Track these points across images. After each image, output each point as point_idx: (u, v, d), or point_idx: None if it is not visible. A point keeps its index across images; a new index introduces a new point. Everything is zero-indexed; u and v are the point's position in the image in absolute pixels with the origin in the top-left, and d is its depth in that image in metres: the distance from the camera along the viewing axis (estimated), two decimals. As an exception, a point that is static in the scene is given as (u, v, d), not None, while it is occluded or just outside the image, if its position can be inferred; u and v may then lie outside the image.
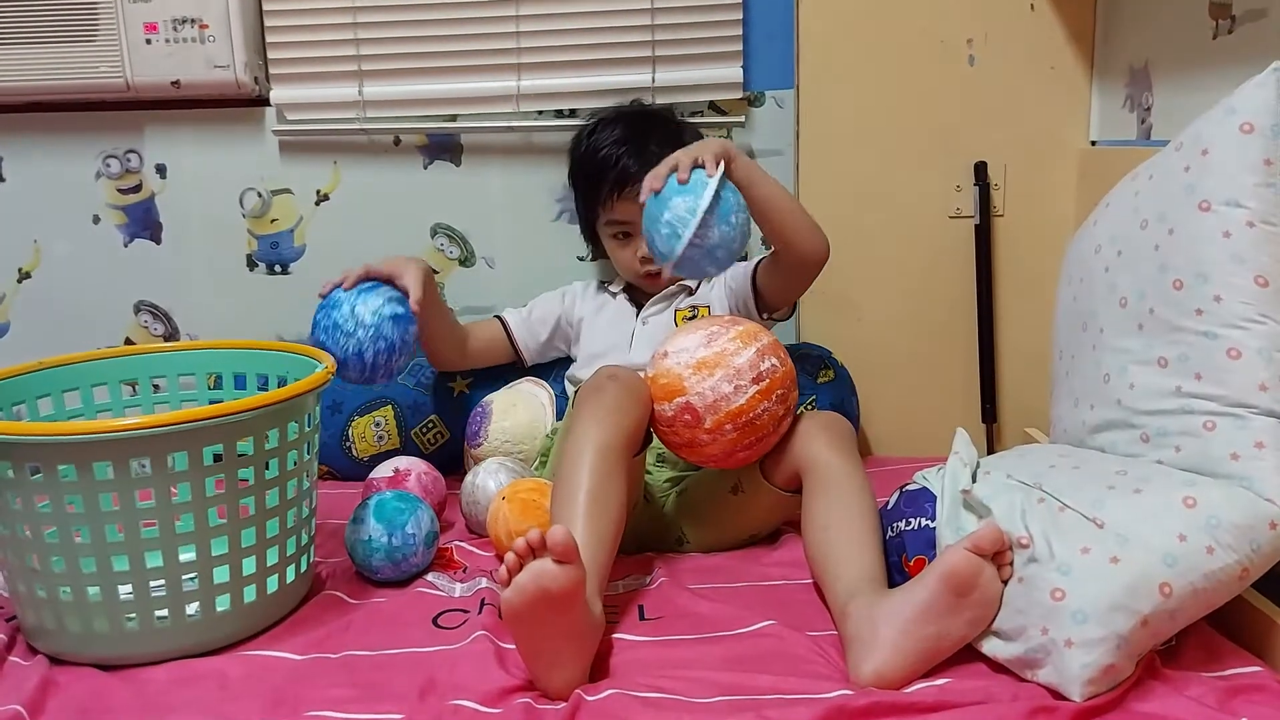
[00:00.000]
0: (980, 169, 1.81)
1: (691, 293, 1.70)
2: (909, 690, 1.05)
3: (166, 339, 2.01)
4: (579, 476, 1.24)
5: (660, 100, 1.84)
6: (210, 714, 1.07)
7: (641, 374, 1.38)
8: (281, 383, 1.39)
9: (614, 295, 1.76)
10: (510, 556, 1.05)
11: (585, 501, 1.22)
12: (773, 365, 1.33)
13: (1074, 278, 1.37)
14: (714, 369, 1.31)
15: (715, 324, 1.37)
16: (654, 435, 1.39)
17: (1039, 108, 1.79)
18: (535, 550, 1.05)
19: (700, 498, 1.49)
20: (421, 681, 1.10)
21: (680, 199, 1.36)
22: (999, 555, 1.10)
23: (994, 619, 1.09)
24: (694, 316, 1.66)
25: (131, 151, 1.94)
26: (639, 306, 1.72)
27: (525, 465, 1.62)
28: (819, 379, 1.77)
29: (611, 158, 1.66)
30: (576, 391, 1.38)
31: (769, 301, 1.62)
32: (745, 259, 1.67)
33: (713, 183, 1.36)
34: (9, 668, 1.17)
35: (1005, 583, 1.10)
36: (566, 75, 1.86)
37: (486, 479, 1.54)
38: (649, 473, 1.52)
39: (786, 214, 1.48)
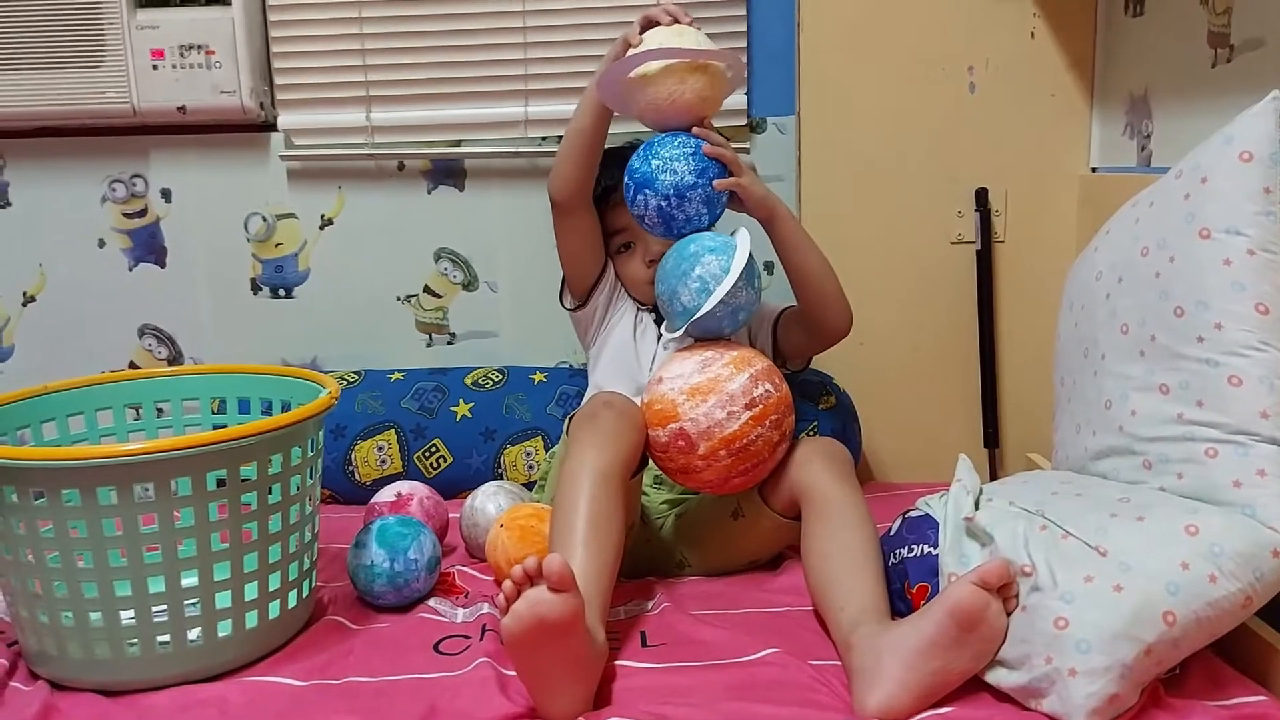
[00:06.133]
0: (981, 195, 1.81)
1: None
2: (912, 718, 1.05)
3: (170, 363, 2.01)
4: (577, 504, 1.23)
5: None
6: (211, 740, 1.07)
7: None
8: (285, 407, 1.39)
9: (639, 308, 1.69)
10: (508, 585, 1.05)
11: (584, 529, 1.21)
12: (766, 391, 1.33)
13: (1075, 304, 1.37)
14: (707, 395, 1.31)
15: (709, 350, 1.37)
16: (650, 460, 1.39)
17: (1040, 134, 1.80)
18: (532, 579, 1.05)
19: (701, 522, 1.49)
20: (423, 708, 1.10)
21: (713, 257, 1.37)
22: (1005, 588, 1.09)
23: (999, 651, 1.09)
24: None
25: (137, 176, 1.95)
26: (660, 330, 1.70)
27: (524, 489, 1.62)
28: (820, 404, 1.77)
29: (613, 166, 1.65)
30: (570, 419, 1.38)
31: (785, 354, 1.61)
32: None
33: (746, 242, 1.38)
34: (10, 694, 1.17)
35: (1010, 614, 1.09)
36: (574, 101, 1.86)
37: (485, 502, 1.54)
38: (646, 494, 1.52)
39: (820, 280, 1.49)
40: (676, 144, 1.42)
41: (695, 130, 1.44)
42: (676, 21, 1.45)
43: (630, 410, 1.35)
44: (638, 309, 1.66)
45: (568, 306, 1.69)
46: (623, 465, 1.29)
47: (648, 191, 1.42)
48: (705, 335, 1.42)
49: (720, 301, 1.35)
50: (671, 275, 1.40)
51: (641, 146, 1.46)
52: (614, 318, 1.66)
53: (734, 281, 1.35)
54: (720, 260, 1.37)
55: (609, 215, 1.64)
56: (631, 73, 1.42)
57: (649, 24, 1.46)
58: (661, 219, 1.43)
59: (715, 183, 1.41)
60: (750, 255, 1.38)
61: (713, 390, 1.31)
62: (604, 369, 1.66)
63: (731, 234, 1.42)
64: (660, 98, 1.43)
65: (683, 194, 1.40)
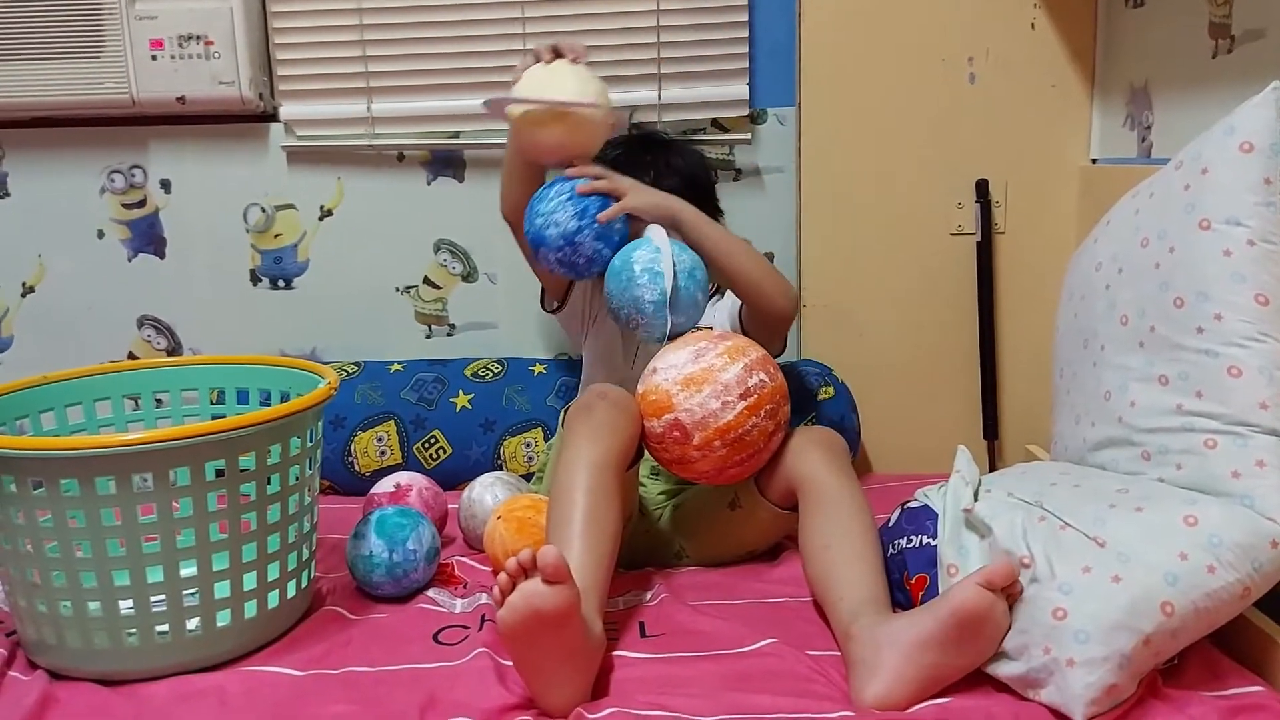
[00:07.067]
0: (981, 186, 1.81)
1: None
2: (910, 709, 1.05)
3: (169, 354, 2.01)
4: (573, 496, 1.23)
5: (666, 118, 1.84)
6: (210, 730, 1.08)
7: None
8: (284, 398, 1.39)
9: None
10: (502, 577, 1.05)
11: (581, 521, 1.21)
12: (761, 380, 1.33)
13: (1075, 295, 1.37)
14: (701, 385, 1.31)
15: (703, 340, 1.37)
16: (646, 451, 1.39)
17: (1040, 125, 1.80)
18: (526, 570, 1.04)
19: (698, 513, 1.49)
20: (422, 698, 1.10)
21: (639, 252, 1.42)
22: (1008, 586, 1.09)
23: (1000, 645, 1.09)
24: None
25: (136, 167, 1.95)
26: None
27: (522, 480, 1.63)
28: (819, 395, 1.77)
29: None
30: (566, 411, 1.38)
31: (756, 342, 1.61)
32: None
33: (655, 228, 1.43)
34: (9, 683, 1.17)
35: (1012, 609, 1.09)
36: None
37: (483, 493, 1.54)
38: (643, 485, 1.52)
39: (747, 270, 1.51)
40: (552, 195, 1.45)
41: (569, 172, 1.47)
42: (559, 57, 1.47)
43: (626, 402, 1.35)
44: None
45: (548, 309, 1.73)
46: (618, 457, 1.29)
47: (543, 248, 1.46)
48: (690, 318, 1.45)
49: (678, 274, 1.38)
50: (621, 292, 1.42)
51: (529, 202, 1.49)
52: (602, 313, 1.68)
53: (671, 250, 1.38)
54: (646, 250, 1.41)
55: None
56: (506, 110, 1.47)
57: (537, 58, 1.48)
58: (566, 268, 1.47)
59: (599, 217, 1.43)
60: (666, 231, 1.44)
61: (707, 380, 1.31)
62: (592, 365, 1.70)
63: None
64: (524, 141, 1.48)
65: (573, 241, 1.44)
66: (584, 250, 1.44)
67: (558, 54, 1.46)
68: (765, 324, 1.57)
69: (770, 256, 1.94)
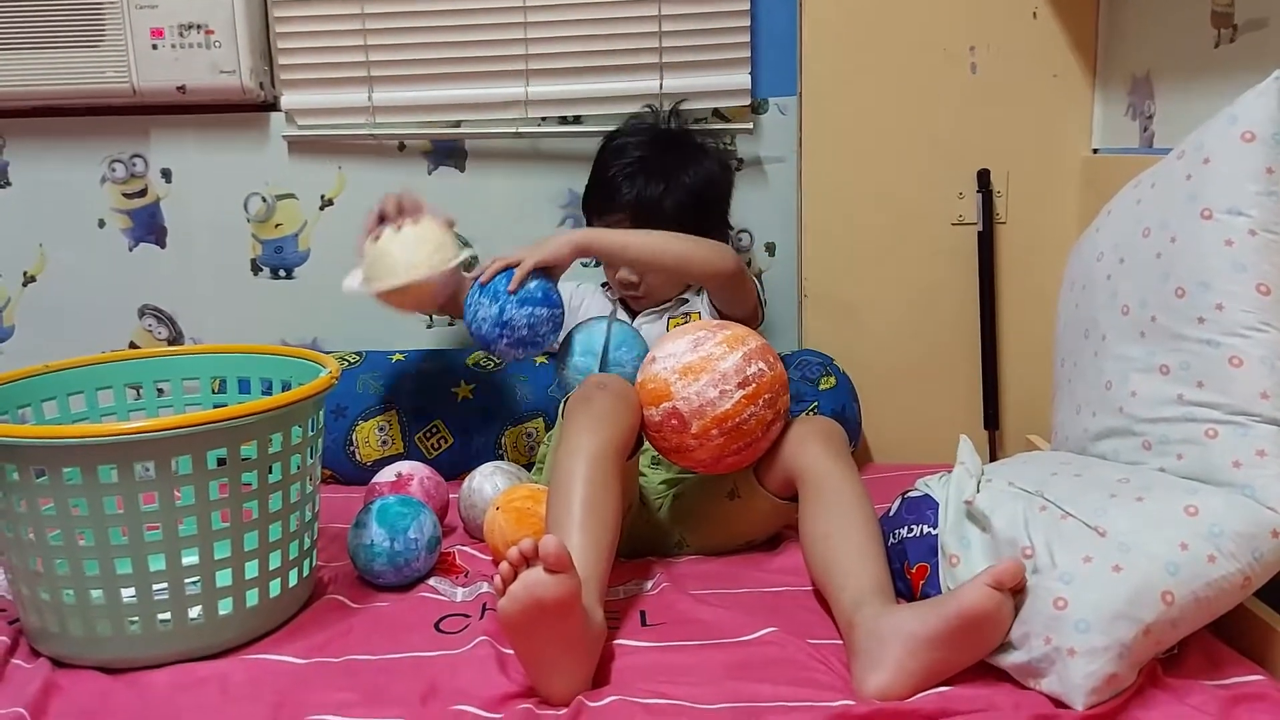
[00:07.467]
0: (983, 176, 1.81)
1: (685, 302, 1.71)
2: (911, 699, 1.05)
3: (171, 343, 2.01)
4: (573, 485, 1.24)
5: (667, 108, 1.84)
6: (212, 718, 1.08)
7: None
8: (285, 387, 1.39)
9: (612, 301, 1.76)
10: (504, 567, 1.05)
11: (581, 511, 1.21)
12: (760, 370, 1.33)
13: (1076, 285, 1.37)
14: (699, 374, 1.31)
15: (703, 329, 1.37)
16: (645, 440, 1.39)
17: (1041, 115, 1.80)
18: (528, 560, 1.05)
19: (699, 502, 1.49)
20: (423, 686, 1.10)
21: (581, 335, 1.56)
22: (1015, 584, 1.08)
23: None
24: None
25: (137, 156, 1.95)
26: (633, 315, 1.73)
27: (522, 469, 1.63)
28: (821, 385, 1.77)
29: (616, 180, 1.69)
30: (565, 401, 1.39)
31: (734, 319, 1.62)
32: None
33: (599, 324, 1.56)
34: (12, 670, 1.17)
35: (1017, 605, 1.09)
36: (575, 82, 1.87)
37: (483, 483, 1.55)
38: (643, 475, 1.52)
39: (673, 259, 1.57)
40: (471, 310, 1.52)
41: (471, 279, 1.55)
42: (402, 211, 1.57)
43: (625, 391, 1.35)
44: (607, 302, 1.76)
45: None
46: (617, 446, 1.29)
47: (490, 345, 1.52)
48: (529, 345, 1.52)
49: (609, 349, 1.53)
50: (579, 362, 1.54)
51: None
52: (582, 304, 1.76)
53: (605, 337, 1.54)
54: (585, 331, 1.55)
55: (595, 222, 1.74)
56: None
57: (383, 217, 1.58)
58: (522, 346, 1.52)
59: (509, 289, 1.49)
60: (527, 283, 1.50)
61: (705, 369, 1.31)
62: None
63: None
64: (393, 307, 1.58)
65: (502, 321, 1.49)
66: (517, 323, 1.49)
67: (401, 209, 1.57)
68: (720, 291, 1.63)
69: (771, 247, 1.94)
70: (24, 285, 2.00)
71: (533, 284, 1.50)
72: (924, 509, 1.27)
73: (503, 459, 1.76)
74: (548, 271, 1.52)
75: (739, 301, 1.64)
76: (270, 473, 1.22)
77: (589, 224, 1.78)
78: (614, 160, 1.71)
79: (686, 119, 1.83)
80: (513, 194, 1.94)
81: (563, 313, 1.54)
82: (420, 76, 1.89)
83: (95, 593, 1.16)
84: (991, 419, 1.86)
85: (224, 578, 1.20)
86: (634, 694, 1.07)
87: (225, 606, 1.20)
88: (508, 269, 1.51)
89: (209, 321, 2.01)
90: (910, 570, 1.25)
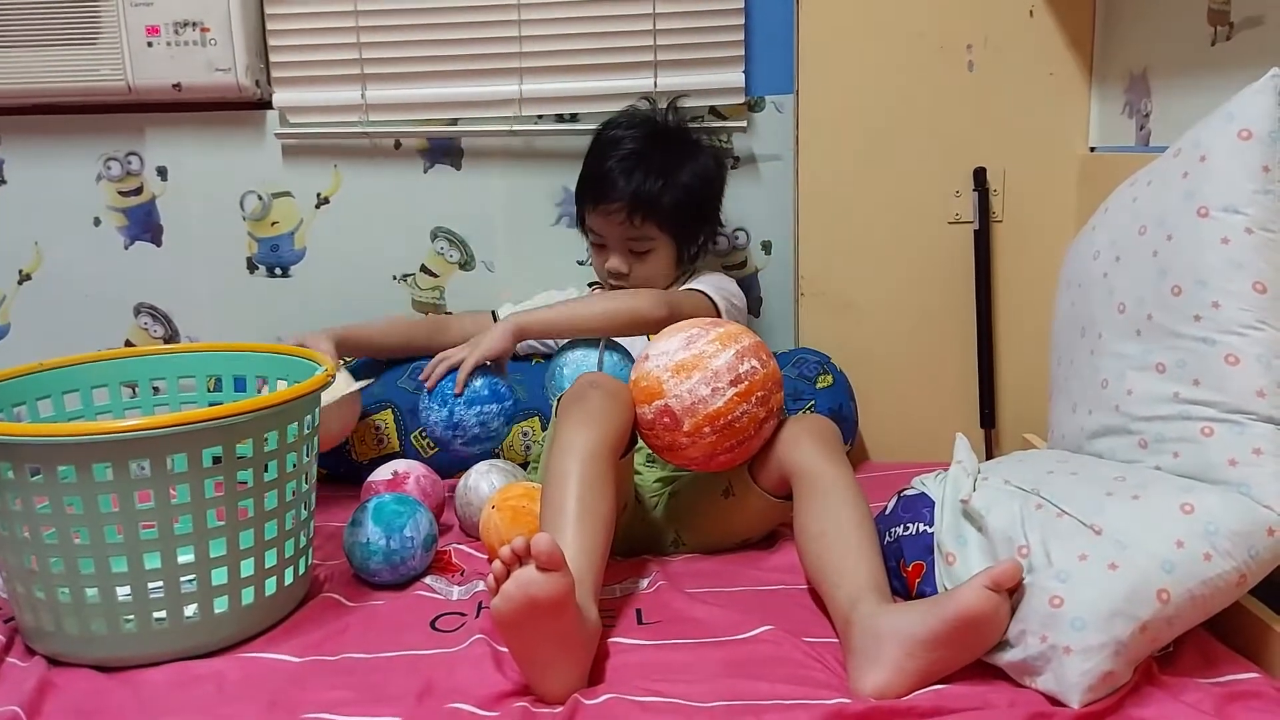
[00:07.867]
0: (979, 174, 1.81)
1: None
2: (906, 697, 1.05)
3: (166, 341, 2.01)
4: (567, 484, 1.23)
5: (661, 106, 1.84)
6: (208, 716, 1.08)
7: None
8: (281, 385, 1.39)
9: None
10: (497, 565, 1.05)
11: (574, 509, 1.21)
12: (753, 367, 1.33)
13: (1072, 283, 1.37)
14: (691, 371, 1.31)
15: (697, 326, 1.37)
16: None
17: (1038, 113, 1.80)
18: (521, 558, 1.04)
19: (693, 501, 1.49)
20: (419, 684, 1.10)
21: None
22: (1012, 586, 1.08)
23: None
24: None
25: (132, 154, 1.95)
26: None
27: (517, 468, 1.63)
28: (817, 383, 1.77)
29: (613, 173, 1.69)
30: (559, 400, 1.39)
31: None
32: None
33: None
34: (7, 669, 1.17)
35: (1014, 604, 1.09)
36: (569, 80, 1.87)
37: (479, 481, 1.55)
38: (638, 473, 1.52)
39: (598, 327, 1.61)
40: (423, 415, 1.58)
41: (419, 384, 1.61)
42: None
43: (618, 389, 1.35)
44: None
45: None
46: (611, 444, 1.29)
47: (449, 448, 1.59)
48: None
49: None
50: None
51: None
52: None
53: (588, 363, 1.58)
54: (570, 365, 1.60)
55: (591, 215, 1.75)
56: None
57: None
58: (479, 442, 1.58)
59: (455, 391, 1.55)
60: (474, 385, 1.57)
61: (697, 367, 1.31)
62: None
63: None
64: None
65: (453, 423, 1.56)
66: (468, 423, 1.55)
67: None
68: (659, 327, 1.63)
69: (768, 245, 1.94)
70: (19, 283, 2.00)
71: (478, 382, 1.56)
72: (920, 507, 1.27)
73: (499, 457, 1.75)
74: (495, 363, 1.57)
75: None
76: (266, 471, 1.22)
77: (582, 214, 1.78)
78: (611, 152, 1.71)
79: (684, 114, 1.83)
80: (509, 192, 1.94)
81: (514, 402, 1.59)
82: (414, 74, 1.88)
83: (90, 591, 1.16)
84: (988, 417, 1.86)
85: (219, 576, 1.20)
86: (630, 692, 1.07)
87: (221, 605, 1.20)
88: (451, 371, 1.56)
89: (205, 319, 2.00)
90: (906, 568, 1.25)
